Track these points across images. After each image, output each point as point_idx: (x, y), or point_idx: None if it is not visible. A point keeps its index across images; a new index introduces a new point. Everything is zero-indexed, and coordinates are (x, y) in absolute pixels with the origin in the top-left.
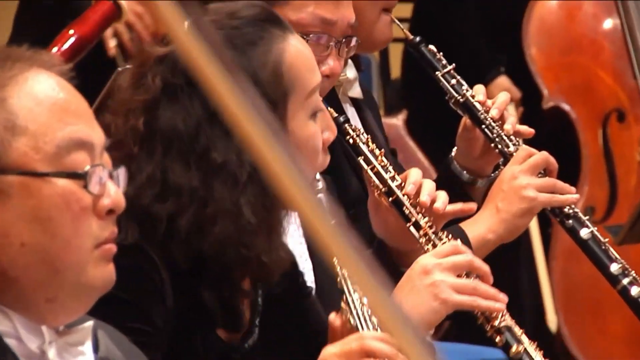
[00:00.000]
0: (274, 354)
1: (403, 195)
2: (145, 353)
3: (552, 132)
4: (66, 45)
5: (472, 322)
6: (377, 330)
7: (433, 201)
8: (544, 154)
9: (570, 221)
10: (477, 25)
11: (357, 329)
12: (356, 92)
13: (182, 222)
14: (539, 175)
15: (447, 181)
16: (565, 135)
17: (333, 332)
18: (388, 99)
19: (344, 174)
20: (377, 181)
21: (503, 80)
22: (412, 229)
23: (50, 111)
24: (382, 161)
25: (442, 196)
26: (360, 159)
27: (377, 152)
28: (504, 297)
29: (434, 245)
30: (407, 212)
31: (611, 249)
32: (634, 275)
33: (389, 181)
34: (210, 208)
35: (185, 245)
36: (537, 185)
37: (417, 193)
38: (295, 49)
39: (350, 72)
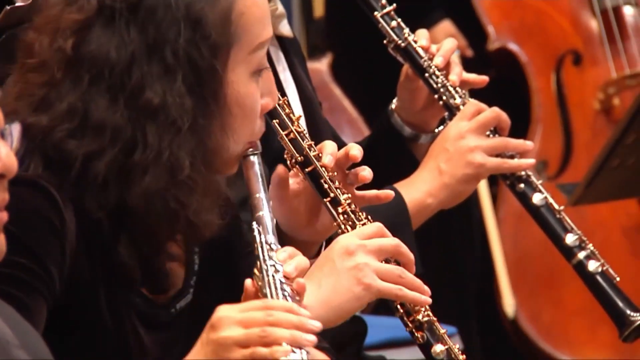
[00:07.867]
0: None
1: (321, 167)
2: (24, 293)
3: (498, 79)
4: None
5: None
6: (286, 300)
7: (356, 174)
8: (495, 110)
9: (522, 185)
10: None
11: (266, 297)
12: (286, 29)
13: (100, 165)
14: (489, 135)
15: (386, 136)
16: (513, 82)
17: (246, 298)
18: (310, 40)
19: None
20: (292, 149)
21: (447, 25)
22: (329, 205)
23: None
24: (299, 127)
25: (367, 168)
26: (275, 123)
27: (293, 116)
28: (428, 291)
29: (353, 227)
30: (325, 186)
31: (567, 218)
32: (592, 248)
33: (307, 149)
34: (140, 154)
35: (101, 191)
36: (487, 147)
37: (336, 165)
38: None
39: (280, 5)
